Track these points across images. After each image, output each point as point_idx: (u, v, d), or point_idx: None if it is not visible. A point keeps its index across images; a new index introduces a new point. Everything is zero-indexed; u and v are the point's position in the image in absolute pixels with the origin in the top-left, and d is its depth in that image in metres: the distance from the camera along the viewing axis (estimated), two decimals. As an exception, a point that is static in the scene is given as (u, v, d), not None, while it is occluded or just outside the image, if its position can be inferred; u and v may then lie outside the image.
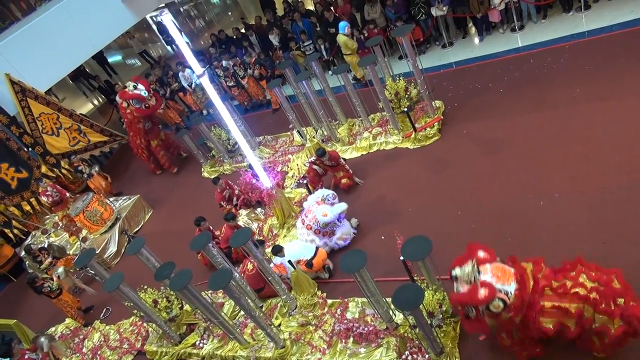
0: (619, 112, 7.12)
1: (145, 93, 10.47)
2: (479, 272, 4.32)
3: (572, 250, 5.66)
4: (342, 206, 7.36)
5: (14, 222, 10.96)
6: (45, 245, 10.36)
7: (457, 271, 4.44)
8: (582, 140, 7.04)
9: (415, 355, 5.40)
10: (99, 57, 17.85)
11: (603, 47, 8.54)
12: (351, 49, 10.46)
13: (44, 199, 10.76)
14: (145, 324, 7.72)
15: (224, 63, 12.60)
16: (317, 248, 6.99)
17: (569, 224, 6.06)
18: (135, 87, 10.49)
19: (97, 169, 11.54)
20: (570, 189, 6.46)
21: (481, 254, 4.44)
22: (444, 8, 10.23)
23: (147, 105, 10.53)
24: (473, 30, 11.10)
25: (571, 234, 5.91)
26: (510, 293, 4.21)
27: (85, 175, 11.40)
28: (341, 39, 10.36)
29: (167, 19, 7.74)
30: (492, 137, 7.95)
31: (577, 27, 9.35)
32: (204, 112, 13.30)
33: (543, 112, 7.87)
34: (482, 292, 4.17)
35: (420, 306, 4.75)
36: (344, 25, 10.25)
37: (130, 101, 10.54)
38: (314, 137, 9.50)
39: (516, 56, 9.58)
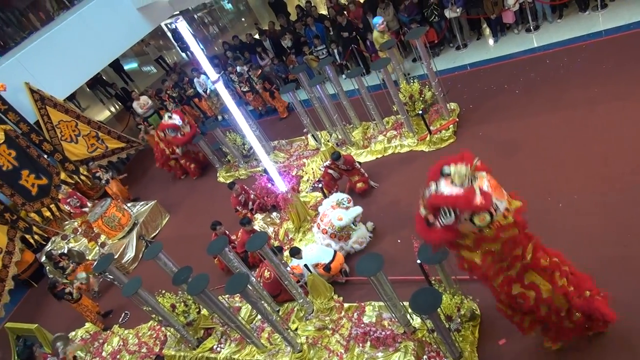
0: (638, 112, 7.01)
1: (179, 122, 11.11)
2: (475, 177, 3.88)
3: (593, 252, 5.61)
4: (357, 210, 7.36)
5: (34, 228, 11.15)
6: (65, 251, 10.53)
7: (451, 169, 3.90)
8: (600, 140, 6.94)
9: (433, 360, 5.37)
10: (116, 65, 18.10)
11: (621, 46, 8.42)
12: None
13: (66, 207, 10.96)
14: (163, 328, 7.79)
15: (238, 69, 12.71)
16: (335, 252, 6.98)
17: (588, 225, 5.97)
18: (170, 117, 11.16)
19: (110, 175, 11.74)
20: (589, 190, 6.37)
21: (478, 162, 3.95)
22: (458, 10, 10.18)
23: (182, 133, 11.19)
24: (487, 31, 11.03)
25: (591, 236, 5.83)
26: (500, 210, 3.83)
27: (103, 182, 11.57)
28: (374, 34, 10.14)
29: (182, 25, 7.83)
30: (509, 139, 7.88)
31: (594, 26, 9.23)
32: (219, 117, 13.41)
33: (560, 113, 7.78)
34: (479, 198, 3.72)
35: (438, 310, 4.73)
36: (376, 21, 9.93)
37: (167, 130, 11.19)
38: (328, 141, 9.53)
39: (532, 57, 9.49)
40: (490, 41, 10.78)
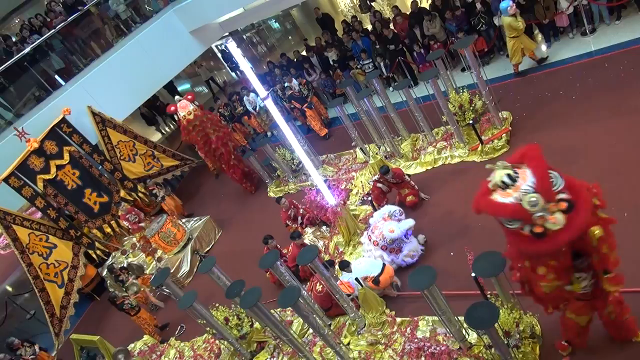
0: None
1: (190, 105, 11.25)
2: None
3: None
4: (409, 222, 7.25)
5: (97, 244, 11.68)
6: (125, 265, 10.96)
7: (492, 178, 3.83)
8: (668, 146, 6.53)
9: (491, 377, 5.17)
10: (169, 86, 18.84)
11: (687, 46, 7.95)
12: (517, 29, 9.32)
13: (125, 223, 11.44)
14: (217, 342, 7.92)
15: (285, 84, 12.93)
16: (383, 265, 6.90)
17: (658, 236, 5.61)
18: (179, 100, 11.25)
19: (166, 191, 12.17)
20: (658, 198, 5.99)
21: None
22: (507, 17, 9.94)
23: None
24: (539, 37, 10.69)
25: (661, 247, 5.47)
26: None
27: (159, 199, 12.00)
28: (505, 20, 9.35)
29: (232, 46, 8.07)
30: (566, 146, 7.55)
31: (656, 27, 8.78)
32: (269, 133, 13.67)
33: (622, 119, 7.40)
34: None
35: (496, 325, 4.55)
36: (505, 5, 9.16)
37: (179, 112, 11.27)
38: (377, 153, 9.48)
39: (588, 61, 9.11)
40: (543, 47, 10.44)
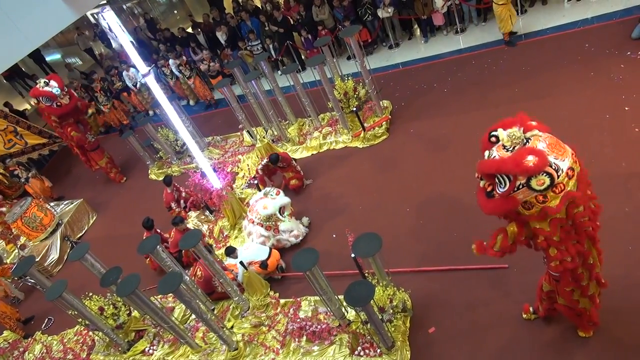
0: (554, 109, 7.53)
1: (57, 90, 9.82)
2: (527, 139, 3.55)
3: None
4: (283, 200, 7.36)
5: (-57, 231, 10.27)
6: (-21, 255, 9.79)
7: (500, 132, 3.63)
8: (521, 137, 7.37)
9: (367, 351, 5.49)
10: (36, 56, 16.99)
11: (538, 49, 9.00)
12: None
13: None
14: (91, 333, 7.44)
15: (170, 62, 12.33)
16: (270, 249, 6.96)
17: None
18: (47, 84, 9.85)
19: (33, 172, 11.04)
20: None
21: (533, 123, 3.65)
22: (390, 10, 10.46)
23: (58, 103, 9.89)
24: (418, 32, 11.40)
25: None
26: (562, 171, 3.42)
27: (22, 180, 10.84)
28: None
29: (110, 16, 7.50)
30: (438, 136, 8.20)
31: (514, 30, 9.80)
32: (150, 112, 12.96)
33: (485, 111, 8.20)
34: (531, 159, 3.31)
35: (371, 302, 4.84)
36: None
37: (41, 98, 9.89)
38: (264, 137, 9.46)
39: (459, 57, 9.93)
40: (421, 41, 11.15)
